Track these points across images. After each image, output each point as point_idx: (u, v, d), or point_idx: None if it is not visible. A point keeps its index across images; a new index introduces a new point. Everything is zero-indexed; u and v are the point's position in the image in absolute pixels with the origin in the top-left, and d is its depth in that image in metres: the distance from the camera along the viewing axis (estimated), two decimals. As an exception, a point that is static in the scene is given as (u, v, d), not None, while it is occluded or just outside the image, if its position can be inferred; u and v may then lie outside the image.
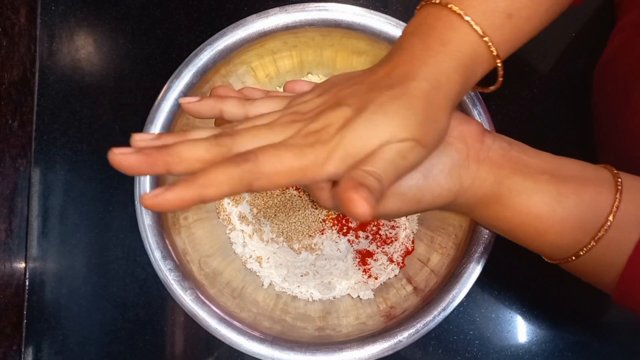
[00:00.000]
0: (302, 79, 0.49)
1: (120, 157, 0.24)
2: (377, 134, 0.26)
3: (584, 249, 0.29)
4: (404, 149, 0.26)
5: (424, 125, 0.27)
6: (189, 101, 0.31)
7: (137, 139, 0.26)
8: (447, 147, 0.30)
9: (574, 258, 0.30)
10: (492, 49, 0.29)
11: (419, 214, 0.49)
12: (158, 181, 0.40)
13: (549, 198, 0.29)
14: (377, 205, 0.24)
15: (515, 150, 0.31)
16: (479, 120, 0.39)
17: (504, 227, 0.32)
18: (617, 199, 0.29)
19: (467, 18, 0.29)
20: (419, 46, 0.29)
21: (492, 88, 0.33)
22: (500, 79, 0.31)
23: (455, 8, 0.29)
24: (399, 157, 0.26)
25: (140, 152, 0.24)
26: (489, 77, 0.32)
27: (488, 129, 0.35)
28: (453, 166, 0.30)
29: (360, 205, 0.23)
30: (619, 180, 0.29)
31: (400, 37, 0.31)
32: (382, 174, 0.25)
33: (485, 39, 0.29)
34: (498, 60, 0.30)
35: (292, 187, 0.48)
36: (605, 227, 0.28)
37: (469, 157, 0.30)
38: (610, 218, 0.28)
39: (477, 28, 0.29)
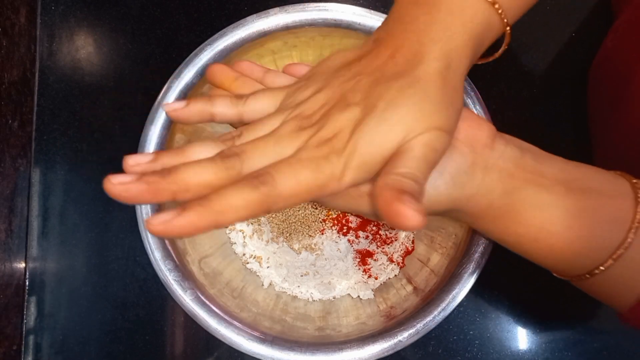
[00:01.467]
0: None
1: (119, 188, 0.21)
2: (393, 134, 0.24)
3: (601, 267, 0.27)
4: (432, 141, 0.24)
5: (442, 111, 0.25)
6: (174, 108, 0.28)
7: (132, 163, 0.24)
8: (451, 150, 0.27)
9: (588, 276, 0.28)
10: (503, 15, 0.27)
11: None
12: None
13: (565, 213, 0.27)
14: (422, 208, 0.22)
15: (529, 157, 0.28)
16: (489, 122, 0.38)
17: (513, 242, 0.29)
18: (639, 213, 0.27)
19: None
20: (424, 19, 0.26)
21: (496, 55, 0.31)
22: (505, 47, 0.30)
23: None
24: (429, 150, 0.24)
25: (141, 180, 0.22)
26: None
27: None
28: (456, 172, 0.27)
29: (411, 216, 0.21)
30: (639, 191, 0.27)
31: (397, 4, 0.28)
32: (417, 173, 0.23)
33: (496, 6, 0.27)
34: (508, 28, 0.29)
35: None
36: (625, 245, 0.26)
37: (475, 163, 0.27)
38: (631, 235, 0.26)
39: None
